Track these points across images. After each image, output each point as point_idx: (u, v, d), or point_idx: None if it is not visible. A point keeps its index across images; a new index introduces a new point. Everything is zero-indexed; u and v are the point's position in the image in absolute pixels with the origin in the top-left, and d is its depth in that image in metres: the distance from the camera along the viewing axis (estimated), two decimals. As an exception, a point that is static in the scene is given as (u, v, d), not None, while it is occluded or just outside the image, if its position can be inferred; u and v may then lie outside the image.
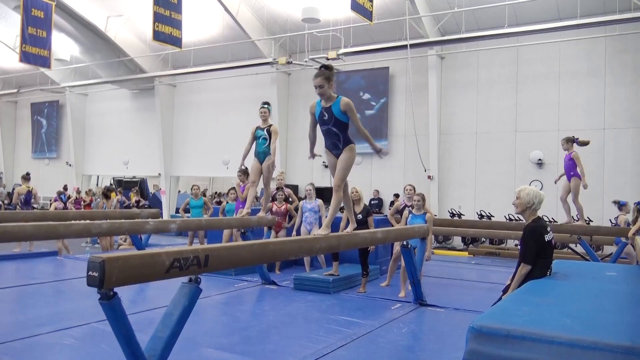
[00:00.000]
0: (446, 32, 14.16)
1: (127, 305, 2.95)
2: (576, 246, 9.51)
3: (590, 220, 12.33)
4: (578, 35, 12.66)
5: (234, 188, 9.90)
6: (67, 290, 6.91)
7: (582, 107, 13.08)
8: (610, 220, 12.05)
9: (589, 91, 13.02)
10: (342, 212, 8.20)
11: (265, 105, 6.79)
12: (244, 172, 8.46)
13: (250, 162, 6.89)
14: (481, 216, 13.56)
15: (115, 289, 2.73)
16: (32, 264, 8.88)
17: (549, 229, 3.96)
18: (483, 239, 13.13)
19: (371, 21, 12.23)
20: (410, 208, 7.02)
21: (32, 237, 5.55)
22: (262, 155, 6.75)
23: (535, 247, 3.82)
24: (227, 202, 9.67)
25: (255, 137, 6.81)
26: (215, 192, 20.57)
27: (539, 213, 4.10)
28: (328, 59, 14.64)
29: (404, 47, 13.37)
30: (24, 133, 25.25)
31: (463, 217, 13.59)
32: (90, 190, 16.60)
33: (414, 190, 7.29)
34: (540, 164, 13.44)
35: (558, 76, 13.37)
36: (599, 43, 12.79)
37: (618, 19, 11.43)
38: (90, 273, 2.59)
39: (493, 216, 13.39)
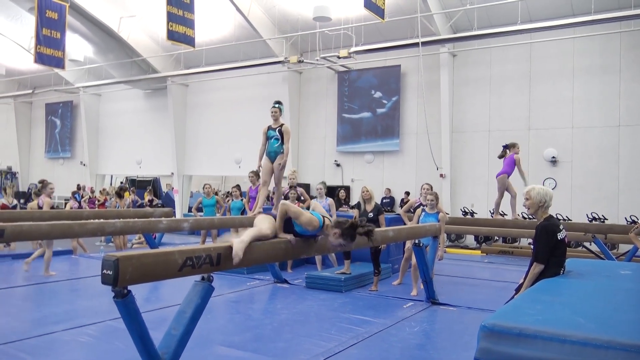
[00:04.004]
0: (458, 30, 14.09)
1: (141, 303, 2.99)
2: (590, 244, 9.41)
3: (605, 219, 12.22)
4: (592, 31, 12.49)
5: (237, 185, 10.02)
6: (82, 288, 7.00)
7: (596, 103, 12.93)
8: (625, 218, 11.93)
9: (604, 87, 12.86)
10: (353, 209, 8.22)
11: (277, 105, 6.81)
12: (256, 174, 8.49)
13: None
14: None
15: (129, 287, 2.77)
16: (47, 262, 8.98)
17: (561, 227, 3.93)
18: (496, 238, 13.05)
19: (383, 19, 12.19)
20: (424, 207, 7.01)
21: (48, 236, 5.63)
22: (274, 154, 6.78)
23: (548, 246, 3.79)
24: (232, 200, 9.77)
25: (267, 137, 6.85)
26: (228, 192, 20.66)
27: (550, 211, 4.06)
28: (339, 57, 14.64)
29: (416, 45, 13.29)
30: (39, 133, 25.56)
31: (476, 216, 13.51)
32: (104, 189, 16.76)
33: (431, 190, 7.29)
34: (554, 161, 13.33)
35: (572, 72, 13.23)
36: (614, 39, 12.63)
37: (633, 15, 11.27)
38: (104, 271, 2.63)
39: (506, 214, 13.29)
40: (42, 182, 9.01)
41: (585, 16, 11.92)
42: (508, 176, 7.89)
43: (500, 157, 8.19)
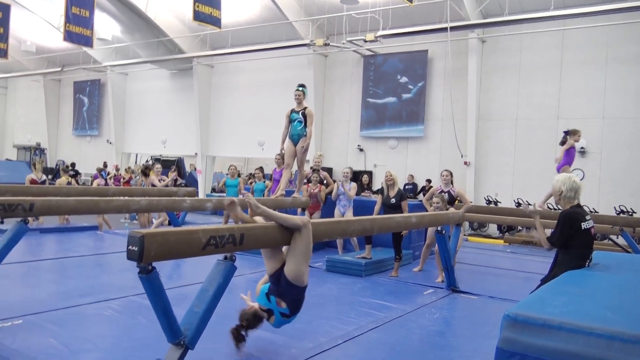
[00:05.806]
0: (488, 15, 13.77)
1: (164, 280, 3.03)
2: (618, 238, 9.21)
3: (633, 212, 11.93)
4: (628, 19, 12.08)
5: (261, 167, 10.08)
6: (107, 263, 7.14)
7: (629, 93, 12.56)
8: (654, 212, 11.64)
9: (638, 77, 12.47)
10: (376, 194, 8.18)
11: (300, 88, 6.78)
12: (283, 157, 8.51)
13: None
14: (518, 204, 13.25)
15: (153, 264, 2.81)
16: (73, 237, 9.19)
17: (588, 217, 3.83)
18: (520, 228, 12.87)
19: (411, 2, 11.99)
20: (445, 194, 6.93)
21: (75, 212, 5.73)
22: (297, 137, 6.78)
23: (564, 232, 3.73)
24: (255, 182, 9.83)
25: (290, 120, 6.84)
26: (251, 173, 20.76)
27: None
28: (366, 41, 14.48)
29: (444, 29, 13.07)
30: (67, 111, 26.00)
31: (499, 205, 13.33)
32: (129, 167, 16.99)
33: (451, 176, 7.18)
34: (582, 152, 13.02)
35: (605, 61, 12.85)
36: (651, 27, 12.22)
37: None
38: (130, 247, 2.67)
39: (531, 204, 13.09)
40: (147, 166, 10.73)
41: (621, 3, 11.52)
42: (570, 167, 7.51)
43: (562, 143, 7.82)
